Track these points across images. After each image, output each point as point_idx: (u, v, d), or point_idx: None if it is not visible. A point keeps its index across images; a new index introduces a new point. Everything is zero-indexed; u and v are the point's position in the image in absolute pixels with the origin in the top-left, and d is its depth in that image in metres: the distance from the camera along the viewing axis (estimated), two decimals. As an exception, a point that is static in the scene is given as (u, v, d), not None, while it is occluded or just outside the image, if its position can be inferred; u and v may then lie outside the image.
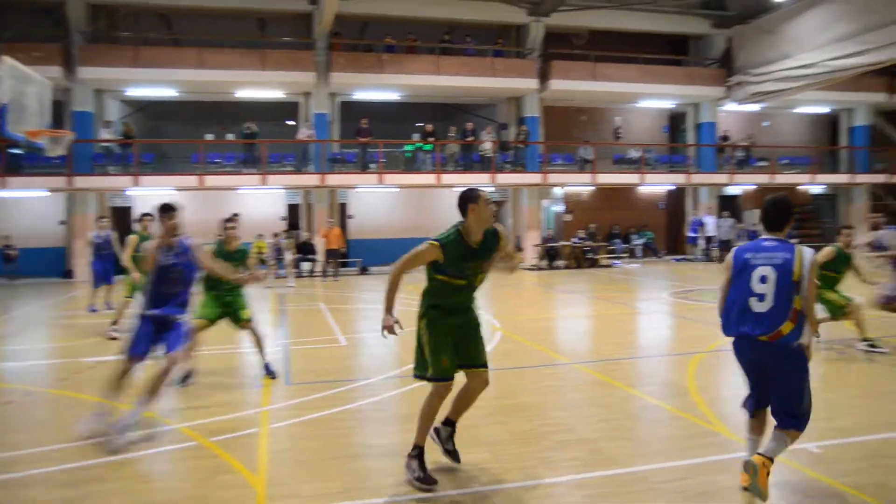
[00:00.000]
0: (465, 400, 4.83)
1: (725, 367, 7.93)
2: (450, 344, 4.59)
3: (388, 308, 4.56)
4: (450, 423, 4.94)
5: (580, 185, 25.73)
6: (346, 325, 11.37)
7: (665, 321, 11.68)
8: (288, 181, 22.29)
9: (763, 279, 4.27)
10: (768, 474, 4.21)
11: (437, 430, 4.95)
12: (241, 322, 7.57)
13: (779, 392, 4.30)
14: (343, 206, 25.12)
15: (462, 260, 4.54)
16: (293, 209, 24.72)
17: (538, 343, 9.36)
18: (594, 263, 23.72)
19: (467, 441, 5.34)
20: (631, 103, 27.64)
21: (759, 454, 4.27)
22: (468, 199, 4.59)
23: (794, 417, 4.26)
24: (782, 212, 4.45)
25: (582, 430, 5.64)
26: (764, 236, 4.45)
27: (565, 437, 5.39)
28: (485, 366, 4.73)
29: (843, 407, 6.15)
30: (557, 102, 26.67)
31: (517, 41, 25.92)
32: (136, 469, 5.01)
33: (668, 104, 28.01)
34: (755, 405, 4.50)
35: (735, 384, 7.16)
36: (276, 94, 23.53)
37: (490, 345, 9.20)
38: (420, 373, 4.64)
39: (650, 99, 26.92)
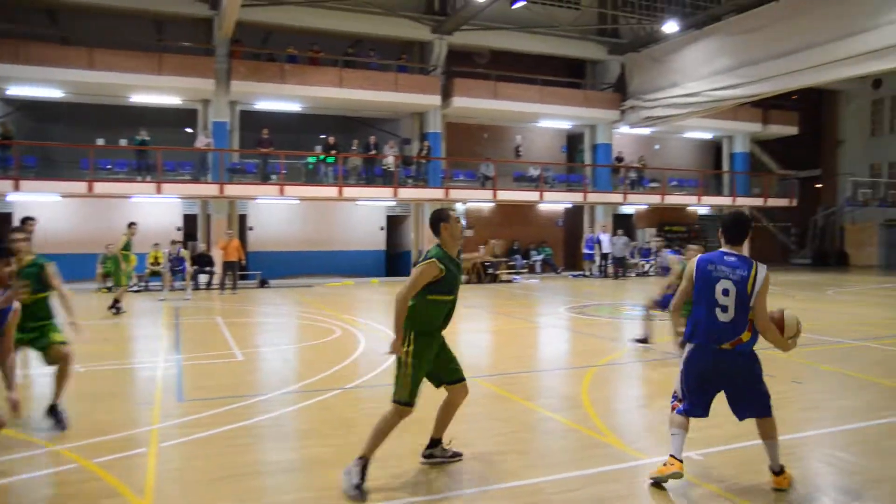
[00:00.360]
0: (450, 413, 5.05)
1: (618, 380, 8.20)
2: (427, 371, 4.81)
3: (398, 334, 4.67)
4: (436, 442, 5.14)
5: (481, 201, 26.04)
6: (243, 340, 11.04)
7: (562, 335, 11.90)
8: (184, 190, 21.49)
9: (725, 292, 4.52)
10: (786, 477, 4.66)
11: (431, 455, 5.11)
12: (48, 349, 6.04)
13: (748, 392, 4.59)
14: (243, 218, 24.45)
15: (454, 274, 4.76)
16: (190, 219, 23.84)
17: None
18: (494, 279, 23.97)
19: (366, 456, 5.27)
20: (531, 122, 28.28)
21: (773, 472, 4.66)
22: (440, 219, 4.80)
23: (767, 407, 4.59)
24: (741, 226, 4.66)
25: (480, 443, 5.67)
26: (724, 249, 4.66)
27: (463, 451, 5.40)
28: (464, 378, 5.02)
29: (723, 415, 6.45)
30: (460, 119, 26.96)
31: (421, 58, 26.09)
32: (7, 499, 4.65)
33: (566, 125, 28.83)
34: (701, 412, 4.72)
35: (626, 396, 7.41)
36: (172, 101, 22.68)
37: (391, 359, 9.10)
38: (399, 398, 4.72)
39: (549, 119, 27.63)
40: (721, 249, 4.68)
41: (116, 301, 14.26)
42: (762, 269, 4.53)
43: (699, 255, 4.68)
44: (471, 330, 12.18)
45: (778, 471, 4.67)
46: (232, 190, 21.68)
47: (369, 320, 13.36)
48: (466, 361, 9.25)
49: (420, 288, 4.62)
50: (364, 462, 4.64)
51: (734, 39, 22.23)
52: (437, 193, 24.29)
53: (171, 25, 23.66)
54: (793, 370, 8.48)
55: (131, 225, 14.88)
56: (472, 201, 25.98)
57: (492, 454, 5.36)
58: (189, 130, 24.64)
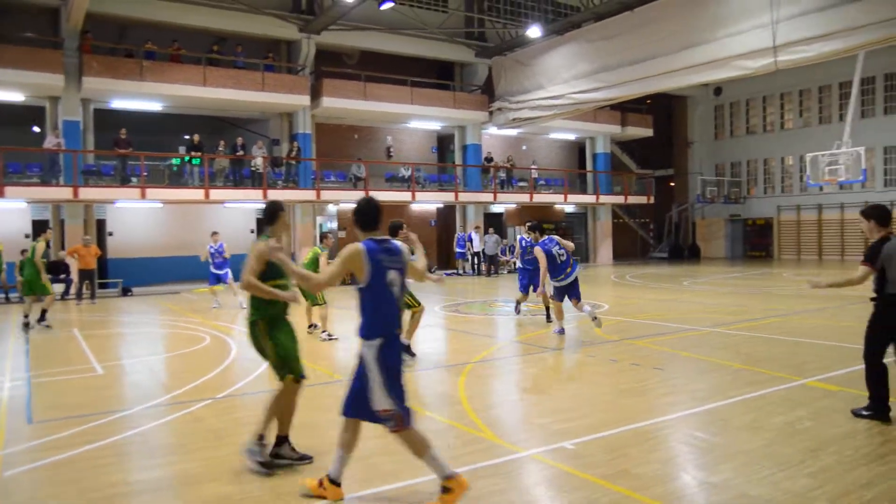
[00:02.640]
0: (290, 407, 5.25)
1: (493, 376, 8.33)
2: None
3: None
4: (283, 440, 5.22)
5: (353, 201, 25.82)
6: (103, 352, 10.34)
7: (438, 334, 11.94)
8: (32, 194, 19.90)
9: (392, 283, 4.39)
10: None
11: (278, 455, 5.15)
12: None
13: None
14: (101, 223, 22.97)
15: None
16: (40, 225, 22.10)
17: (314, 362, 9.15)
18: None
19: (242, 463, 5.07)
20: (401, 123, 28.35)
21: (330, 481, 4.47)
22: (278, 209, 5.42)
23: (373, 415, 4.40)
24: (376, 211, 4.53)
25: (358, 446, 5.59)
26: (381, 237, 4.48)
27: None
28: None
29: (593, 405, 6.73)
30: (329, 120, 26.64)
31: (288, 57, 25.56)
32: None
33: (436, 126, 29.11)
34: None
35: (501, 391, 7.54)
36: (15, 97, 20.92)
37: (263, 365, 8.83)
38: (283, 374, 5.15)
39: (419, 120, 27.79)
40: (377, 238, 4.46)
41: (44, 312, 13.36)
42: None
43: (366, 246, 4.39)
44: (346, 333, 12.06)
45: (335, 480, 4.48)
46: (87, 193, 20.31)
47: (241, 325, 12.88)
48: (339, 363, 9.20)
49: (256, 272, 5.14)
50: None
51: (593, 46, 23.25)
52: (308, 195, 23.91)
53: (12, 14, 21.80)
54: (654, 358, 8.93)
55: (47, 230, 14.31)
56: (344, 202, 25.75)
57: (369, 456, 5.30)
58: (37, 130, 22.85)
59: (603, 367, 8.51)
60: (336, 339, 11.11)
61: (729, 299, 16.07)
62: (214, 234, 17.48)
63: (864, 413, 5.91)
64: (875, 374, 5.86)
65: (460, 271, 27.73)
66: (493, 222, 29.87)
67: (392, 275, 4.36)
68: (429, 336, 11.76)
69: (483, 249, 26.76)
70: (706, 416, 6.25)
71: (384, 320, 4.34)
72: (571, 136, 33.82)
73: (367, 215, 4.53)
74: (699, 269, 28.39)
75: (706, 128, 38.45)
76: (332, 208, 26.61)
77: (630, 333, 10.99)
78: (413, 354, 9.21)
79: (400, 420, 4.30)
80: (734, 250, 37.40)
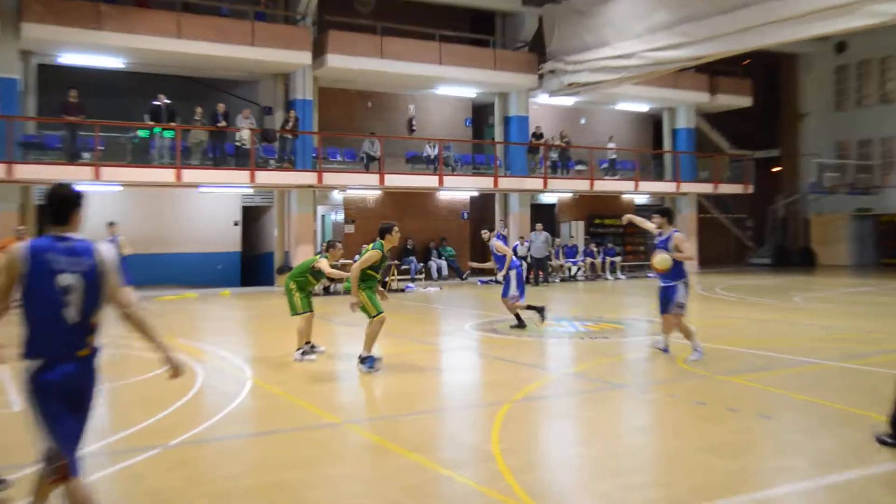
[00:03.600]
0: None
1: (539, 421, 7.96)
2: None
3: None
4: None
5: (365, 187, 25.74)
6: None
7: (467, 361, 11.72)
8: (-46, 173, 19.93)
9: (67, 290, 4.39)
10: None
11: None
12: None
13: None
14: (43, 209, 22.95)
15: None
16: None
17: (301, 397, 8.94)
18: (383, 287, 23.49)
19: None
20: (427, 89, 28.11)
21: None
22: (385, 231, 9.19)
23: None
24: (61, 201, 4.52)
25: None
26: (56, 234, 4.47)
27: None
28: None
29: (673, 466, 6.23)
30: (336, 84, 26.48)
31: (286, 3, 25.48)
32: None
33: (471, 92, 28.83)
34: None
35: (548, 443, 7.08)
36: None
37: (236, 400, 8.59)
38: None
39: (450, 85, 27.52)
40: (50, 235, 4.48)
41: None
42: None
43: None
44: (346, 357, 11.76)
45: None
46: (26, 171, 20.32)
47: (216, 346, 12.77)
48: (338, 401, 9.03)
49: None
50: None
51: (675, -12, 22.71)
52: (308, 178, 23.80)
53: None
54: (759, 401, 8.50)
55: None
56: (353, 188, 25.57)
57: None
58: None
59: (687, 411, 8.14)
60: (313, 357, 11.21)
61: (858, 322, 15.52)
62: (111, 224, 17.70)
63: (888, 441, 6.49)
64: None
65: (499, 278, 27.30)
66: (543, 216, 29.43)
67: (65, 280, 4.34)
68: (453, 363, 11.57)
69: (529, 251, 26.29)
70: (838, 492, 5.76)
71: (45, 337, 4.33)
72: (644, 107, 33.36)
73: (51, 206, 4.52)
74: (814, 280, 27.67)
75: (824, 95, 37.51)
76: (337, 195, 26.45)
77: (723, 366, 10.57)
78: (374, 368, 10.15)
79: (61, 470, 4.25)
80: (862, 256, 36.32)
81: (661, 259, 10.69)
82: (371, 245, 10.23)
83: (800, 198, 37.35)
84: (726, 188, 33.08)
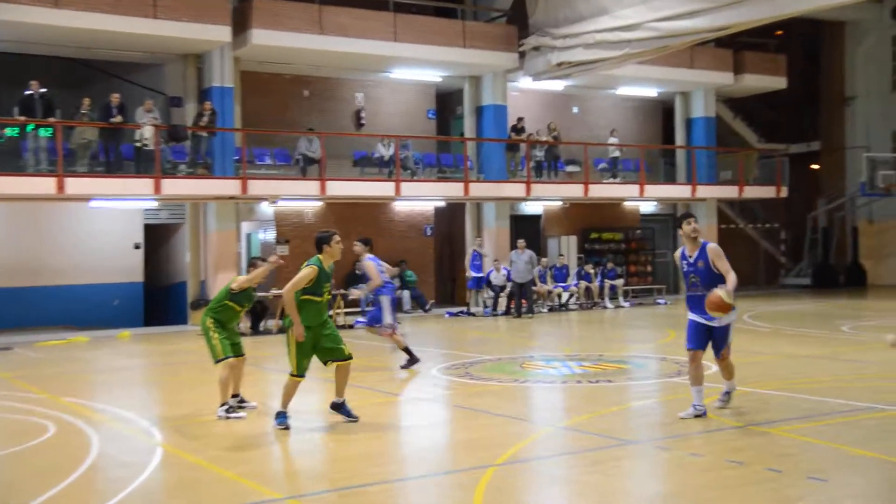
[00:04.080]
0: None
1: (529, 488, 7.92)
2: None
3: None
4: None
5: (301, 198, 25.69)
6: None
7: (438, 414, 11.76)
8: None
9: None
10: None
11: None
12: None
13: None
14: None
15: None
16: None
17: (228, 467, 8.83)
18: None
19: None
20: (379, 73, 28.24)
21: None
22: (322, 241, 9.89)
23: None
24: None
25: None
26: None
27: None
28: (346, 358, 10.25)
29: None
30: (264, 67, 26.55)
31: (197, -36, 25.37)
32: None
33: (435, 76, 28.99)
34: None
35: None
36: None
37: (143, 474, 8.46)
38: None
39: (407, 67, 27.66)
40: None
41: None
42: None
43: None
44: (291, 410, 11.63)
45: None
46: None
47: (114, 405, 12.64)
48: (275, 468, 8.96)
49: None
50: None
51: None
52: (229, 187, 23.73)
53: None
54: (808, 458, 8.52)
55: None
56: (286, 199, 25.52)
57: None
58: None
59: (718, 473, 8.10)
60: (242, 414, 11.23)
61: None
62: None
63: None
64: None
65: (472, 309, 27.31)
66: (526, 230, 29.47)
67: None
68: (420, 418, 11.52)
69: (507, 277, 26.37)
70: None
71: None
72: (652, 92, 33.67)
73: None
74: (865, 304, 27.93)
75: (878, 73, 38.09)
76: (266, 208, 26.37)
77: (760, 415, 10.62)
78: (354, 418, 10.60)
79: None
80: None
81: (723, 296, 9.88)
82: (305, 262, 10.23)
83: (846, 202, 37.79)
84: (754, 191, 33.39)
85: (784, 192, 33.65)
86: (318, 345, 10.25)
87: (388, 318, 15.30)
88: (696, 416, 10.12)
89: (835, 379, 13.24)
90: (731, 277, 10.10)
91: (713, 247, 10.50)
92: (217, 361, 11.25)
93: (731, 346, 10.52)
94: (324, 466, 9.19)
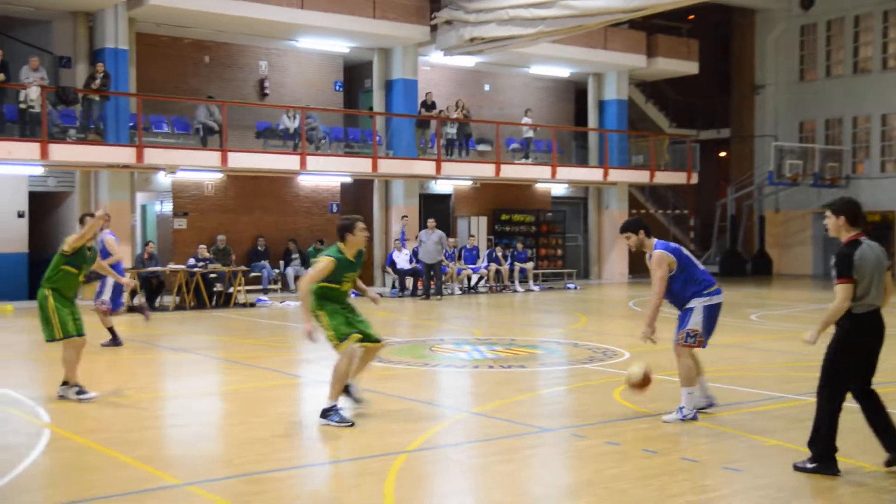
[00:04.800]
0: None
1: (442, 476, 7.86)
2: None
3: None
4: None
5: (201, 168, 25.36)
6: None
7: (342, 399, 11.32)
8: None
9: None
10: None
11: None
12: None
13: None
14: None
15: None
16: None
17: (122, 449, 8.58)
18: (226, 301, 23.46)
19: None
20: (284, 41, 28.05)
21: None
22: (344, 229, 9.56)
23: None
24: None
25: None
26: None
27: None
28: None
29: None
30: (161, 29, 26.20)
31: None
32: None
33: (343, 46, 28.83)
34: None
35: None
36: None
37: (28, 458, 8.17)
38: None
39: (314, 36, 27.50)
40: None
41: None
42: None
43: None
44: (181, 395, 11.60)
45: None
46: None
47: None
48: (174, 455, 8.77)
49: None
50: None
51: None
52: (123, 155, 23.32)
53: None
54: (723, 447, 8.57)
55: None
56: (185, 170, 25.13)
57: None
58: None
59: (634, 462, 8.08)
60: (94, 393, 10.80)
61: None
62: None
63: (809, 466, 7.50)
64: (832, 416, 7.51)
65: (379, 290, 27.21)
66: (436, 209, 29.43)
67: None
68: (325, 400, 11.15)
69: (413, 259, 26.33)
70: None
71: None
72: (565, 72, 33.91)
73: None
74: (771, 293, 28.49)
75: (787, 63, 38.95)
76: (163, 179, 25.87)
77: (674, 404, 10.59)
78: (359, 399, 10.14)
79: None
80: (827, 263, 37.73)
81: (632, 376, 9.62)
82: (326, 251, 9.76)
83: (754, 190, 38.49)
84: (665, 177, 33.83)
85: (695, 179, 34.20)
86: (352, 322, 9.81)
87: (106, 294, 15.19)
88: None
89: (744, 368, 13.40)
90: (651, 305, 9.55)
91: (656, 254, 9.57)
92: (56, 340, 10.59)
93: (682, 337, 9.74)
94: (226, 451, 8.97)
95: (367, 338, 9.71)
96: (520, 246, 30.20)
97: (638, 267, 34.84)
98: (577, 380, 12.11)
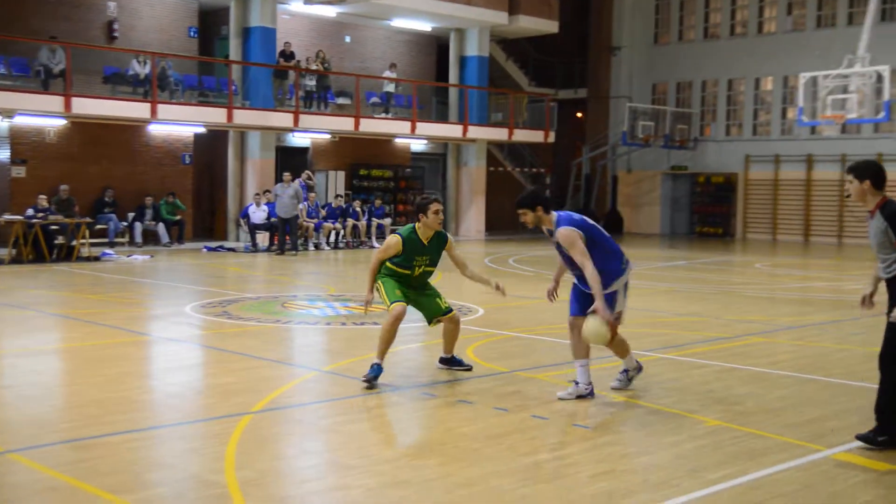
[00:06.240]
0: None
1: (289, 438, 7.72)
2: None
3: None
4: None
5: (42, 113, 24.67)
6: None
7: (190, 356, 11.53)
8: None
9: None
10: None
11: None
12: None
13: None
14: None
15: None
16: None
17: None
18: (68, 254, 22.77)
19: None
20: (134, -20, 27.28)
21: None
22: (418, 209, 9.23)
23: None
24: None
25: None
26: None
27: None
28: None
29: (475, 498, 6.05)
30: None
31: None
32: None
33: (195, -10, 28.22)
34: None
35: (300, 470, 6.91)
36: None
37: None
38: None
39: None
40: None
41: None
42: None
43: None
44: (13, 352, 11.15)
45: None
46: None
47: None
48: (4, 417, 8.28)
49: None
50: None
51: None
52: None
53: None
54: (572, 407, 8.63)
55: None
56: (23, 114, 24.34)
57: None
58: None
59: (486, 421, 8.09)
60: None
61: (676, 304, 16.62)
62: None
63: (880, 439, 7.21)
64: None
65: (232, 245, 26.81)
66: (292, 163, 29.09)
67: None
68: (170, 360, 11.18)
69: (269, 214, 26.03)
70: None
71: None
72: (427, 27, 33.91)
73: None
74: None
75: (643, 26, 39.66)
76: (0, 124, 24.79)
77: (524, 361, 10.72)
78: (467, 366, 10.02)
79: None
80: (675, 223, 38.96)
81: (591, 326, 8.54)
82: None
83: (608, 150, 39.20)
84: (523, 135, 34.26)
85: (552, 137, 34.65)
86: (418, 304, 9.59)
87: None
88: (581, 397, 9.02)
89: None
90: (593, 280, 8.49)
91: (562, 231, 8.65)
92: None
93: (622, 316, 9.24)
94: (53, 415, 8.58)
95: (435, 311, 9.52)
96: (378, 201, 30.07)
97: (496, 224, 35.26)
98: (432, 337, 11.98)
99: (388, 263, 9.26)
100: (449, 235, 9.57)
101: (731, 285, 20.39)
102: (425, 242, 9.23)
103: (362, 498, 6.27)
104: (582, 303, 8.85)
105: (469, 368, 9.83)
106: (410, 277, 9.34)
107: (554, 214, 8.79)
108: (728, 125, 37.57)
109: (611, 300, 8.64)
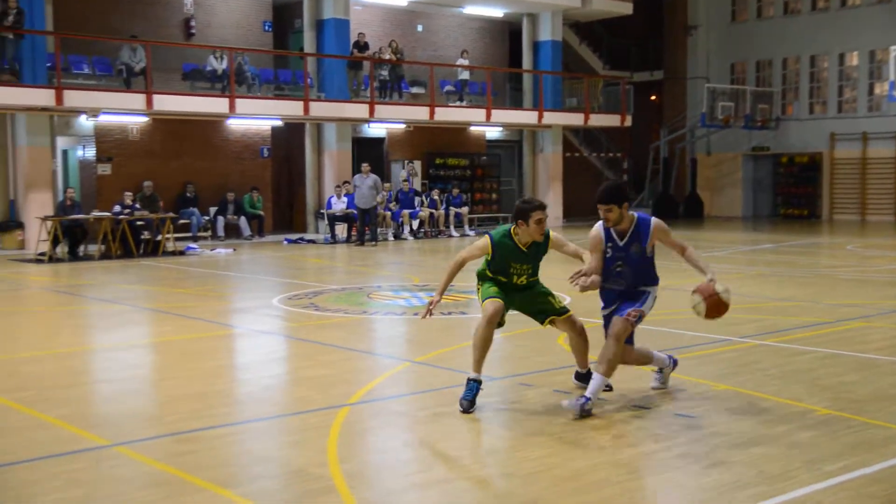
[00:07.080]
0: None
1: (390, 430, 7.65)
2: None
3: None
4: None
5: (125, 111, 24.96)
6: None
7: (280, 349, 11.56)
8: None
9: None
10: None
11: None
12: None
13: None
14: None
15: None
16: None
17: (46, 409, 8.29)
18: (154, 249, 23.11)
19: None
20: (211, -22, 27.47)
21: None
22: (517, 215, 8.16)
23: None
24: None
25: None
26: None
27: None
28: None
29: (576, 488, 5.97)
30: (81, -36, 25.46)
31: None
32: None
33: (272, -16, 28.38)
34: None
35: (410, 462, 6.84)
36: None
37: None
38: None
39: (243, -28, 26.87)
40: None
41: None
42: None
43: None
44: (108, 348, 11.34)
45: None
46: None
47: None
48: (102, 414, 8.50)
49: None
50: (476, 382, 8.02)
51: None
52: (42, 96, 22.90)
53: None
54: (669, 396, 8.52)
55: None
56: (108, 113, 24.62)
57: None
58: None
59: (594, 411, 7.94)
60: None
61: (766, 288, 16.31)
62: None
63: None
64: None
65: (312, 237, 27.00)
66: (369, 154, 29.16)
67: None
68: (261, 354, 11.20)
69: (349, 201, 26.06)
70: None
71: None
72: (498, 12, 33.76)
73: None
74: (703, 235, 28.78)
75: (718, 4, 39.04)
76: (85, 123, 25.42)
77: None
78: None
79: None
80: (758, 206, 38.35)
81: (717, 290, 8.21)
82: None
83: (687, 133, 38.72)
84: (599, 119, 33.97)
85: (628, 121, 34.37)
86: (523, 303, 8.46)
87: None
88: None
89: (684, 310, 13.35)
90: (694, 258, 8.41)
91: (658, 222, 8.34)
92: None
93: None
94: (155, 409, 8.68)
95: (548, 310, 8.33)
96: (455, 190, 30.01)
97: (575, 210, 35.04)
98: (520, 326, 11.88)
99: (486, 271, 8.33)
100: (551, 231, 8.40)
101: (823, 268, 20.05)
102: (524, 248, 8.21)
103: (468, 490, 6.23)
104: (614, 300, 8.38)
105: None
106: (510, 286, 8.32)
107: (633, 213, 8.30)
108: (811, 103, 36.89)
109: (645, 296, 8.32)
